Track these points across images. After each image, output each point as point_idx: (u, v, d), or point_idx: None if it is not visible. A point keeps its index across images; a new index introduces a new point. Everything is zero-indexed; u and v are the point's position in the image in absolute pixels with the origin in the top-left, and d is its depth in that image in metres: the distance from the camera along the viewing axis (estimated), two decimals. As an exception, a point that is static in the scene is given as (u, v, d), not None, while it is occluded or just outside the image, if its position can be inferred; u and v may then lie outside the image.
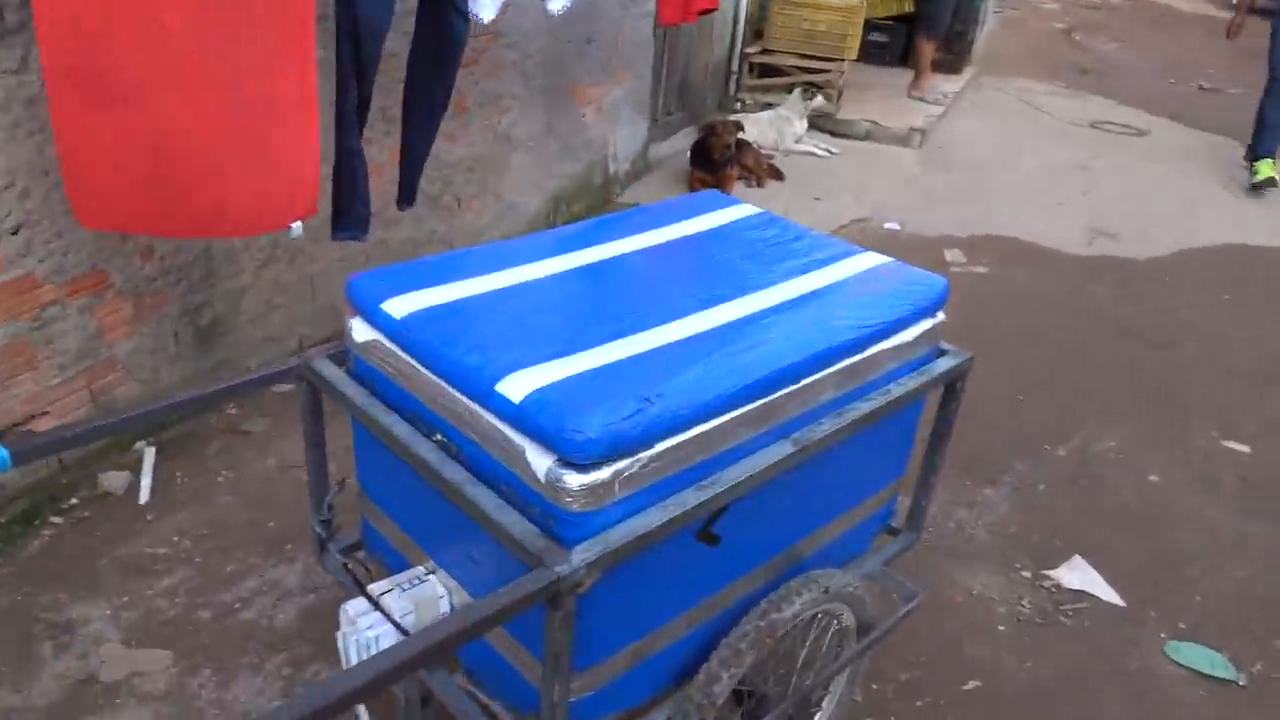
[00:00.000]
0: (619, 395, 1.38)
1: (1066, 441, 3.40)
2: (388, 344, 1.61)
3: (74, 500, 2.84)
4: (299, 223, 2.60)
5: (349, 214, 2.88)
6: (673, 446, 1.41)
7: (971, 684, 2.42)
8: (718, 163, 5.29)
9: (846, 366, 1.66)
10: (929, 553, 2.81)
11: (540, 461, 1.35)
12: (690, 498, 1.43)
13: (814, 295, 1.77)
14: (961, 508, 3.03)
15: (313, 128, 2.56)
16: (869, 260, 1.95)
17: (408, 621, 1.53)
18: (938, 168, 6.01)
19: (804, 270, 1.87)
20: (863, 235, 5.02)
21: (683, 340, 1.56)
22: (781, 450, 1.56)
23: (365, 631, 1.53)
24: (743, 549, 1.67)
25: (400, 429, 1.54)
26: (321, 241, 3.41)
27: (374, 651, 1.52)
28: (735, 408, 1.48)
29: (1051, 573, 2.80)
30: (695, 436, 1.44)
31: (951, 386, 1.95)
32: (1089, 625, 2.63)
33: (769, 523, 1.70)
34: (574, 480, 1.32)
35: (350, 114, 2.76)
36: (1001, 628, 2.60)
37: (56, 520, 2.77)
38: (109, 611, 2.47)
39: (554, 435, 1.33)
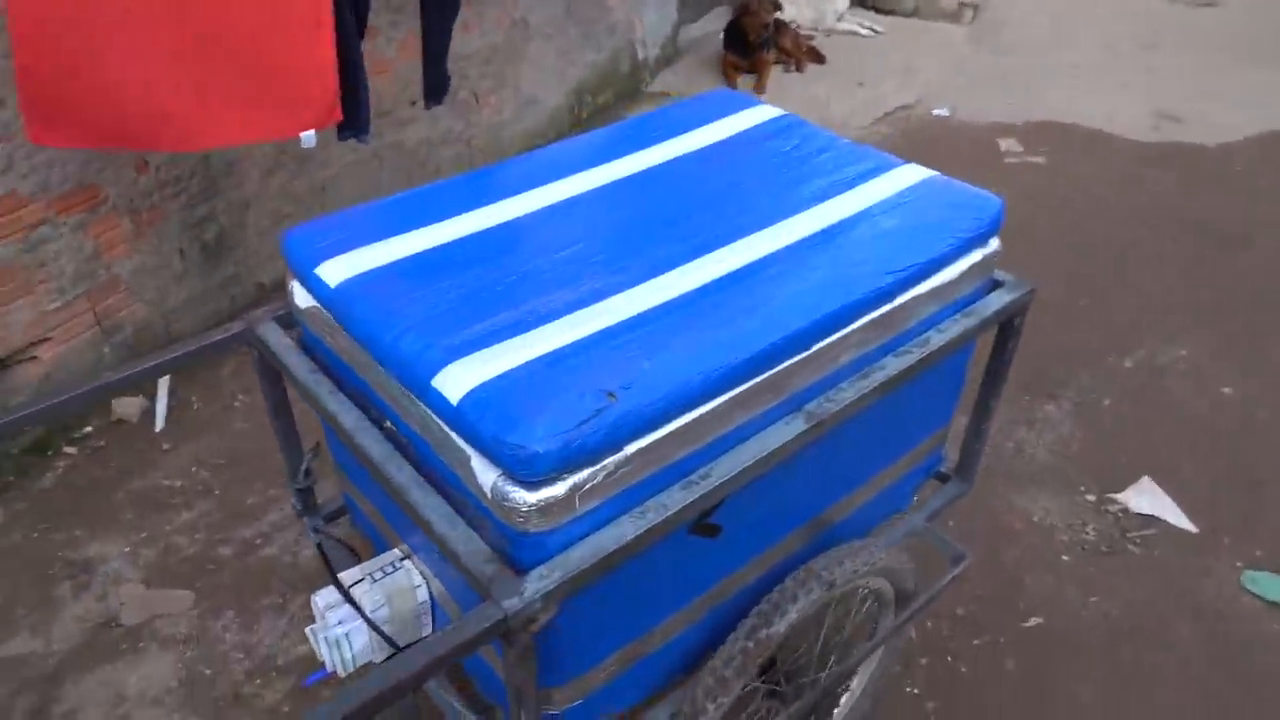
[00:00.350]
0: (577, 390, 1.13)
1: (1132, 352, 3.17)
2: (326, 315, 1.38)
3: (88, 429, 2.73)
4: (311, 131, 2.39)
5: (350, 116, 2.65)
6: (647, 446, 1.16)
7: (1033, 620, 2.28)
8: (753, 45, 4.93)
9: (872, 321, 1.39)
10: (986, 476, 2.63)
11: (485, 474, 1.12)
12: (674, 499, 1.19)
13: (835, 231, 1.47)
14: (1020, 426, 2.84)
15: (326, 28, 2.32)
16: (907, 176, 1.63)
17: (380, 616, 1.37)
18: (991, 47, 5.58)
19: (826, 195, 1.56)
20: (909, 123, 4.69)
21: (665, 305, 1.29)
22: (791, 429, 1.30)
23: (335, 628, 1.36)
24: (752, 533, 1.45)
25: (346, 415, 1.31)
26: (330, 145, 3.18)
27: (345, 650, 1.37)
28: (728, 389, 1.23)
29: (1118, 496, 2.62)
30: (677, 430, 1.19)
31: (1008, 323, 1.65)
32: (1158, 554, 2.46)
33: (784, 499, 1.47)
34: (522, 497, 1.09)
35: (345, 7, 2.49)
36: (1065, 558, 2.44)
37: (70, 450, 2.66)
38: (127, 549, 2.38)
39: (494, 446, 1.09)
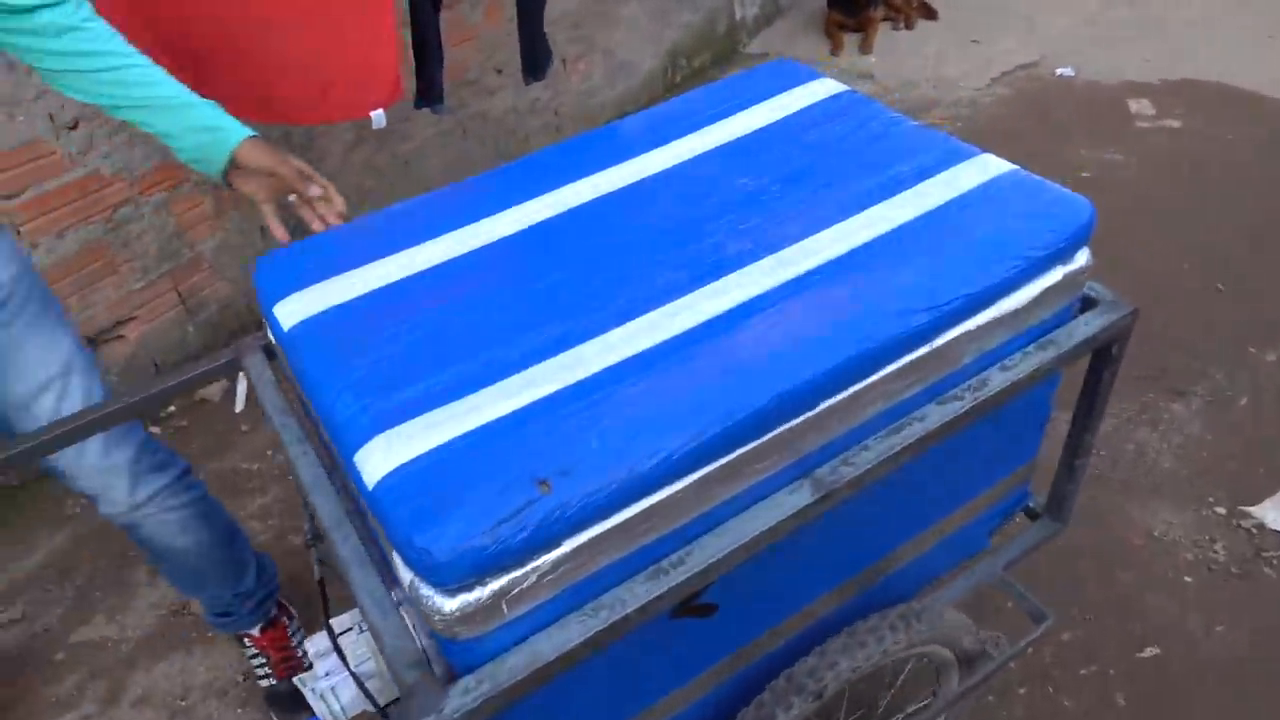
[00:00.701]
0: (505, 476, 0.96)
1: (1276, 344, 2.84)
2: (284, 359, 1.27)
3: (171, 408, 2.75)
4: (380, 111, 2.31)
5: (425, 87, 2.59)
6: (594, 539, 0.98)
7: (1149, 650, 2.06)
8: (860, 2, 4.63)
9: (904, 367, 1.15)
10: (1099, 484, 2.40)
11: (404, 571, 0.98)
12: (636, 593, 0.99)
13: (872, 249, 1.22)
14: (1142, 427, 2.58)
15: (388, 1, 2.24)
16: (977, 173, 1.34)
17: (366, 670, 1.27)
18: (1124, -4, 5.12)
19: (871, 199, 1.29)
20: (1029, 83, 4.34)
21: (642, 355, 1.09)
22: (794, 501, 1.07)
23: (322, 680, 1.28)
24: (765, 605, 1.26)
25: (305, 469, 1.19)
26: (413, 118, 3.11)
27: (333, 702, 1.27)
28: (702, 465, 1.02)
29: (1253, 510, 2.35)
30: (635, 517, 0.99)
31: (1105, 350, 1.37)
32: (1298, 578, 2.21)
33: (804, 563, 1.25)
34: (437, 604, 0.94)
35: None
36: (1188, 579, 2.21)
37: (155, 430, 2.69)
38: (203, 532, 2.38)
39: (402, 546, 0.95)
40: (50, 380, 1.55)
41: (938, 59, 4.58)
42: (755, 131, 1.50)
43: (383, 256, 1.31)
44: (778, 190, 1.36)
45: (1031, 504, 1.66)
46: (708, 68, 4.51)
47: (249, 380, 1.36)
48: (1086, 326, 1.30)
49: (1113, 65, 4.44)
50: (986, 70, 4.45)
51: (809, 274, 1.19)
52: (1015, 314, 1.24)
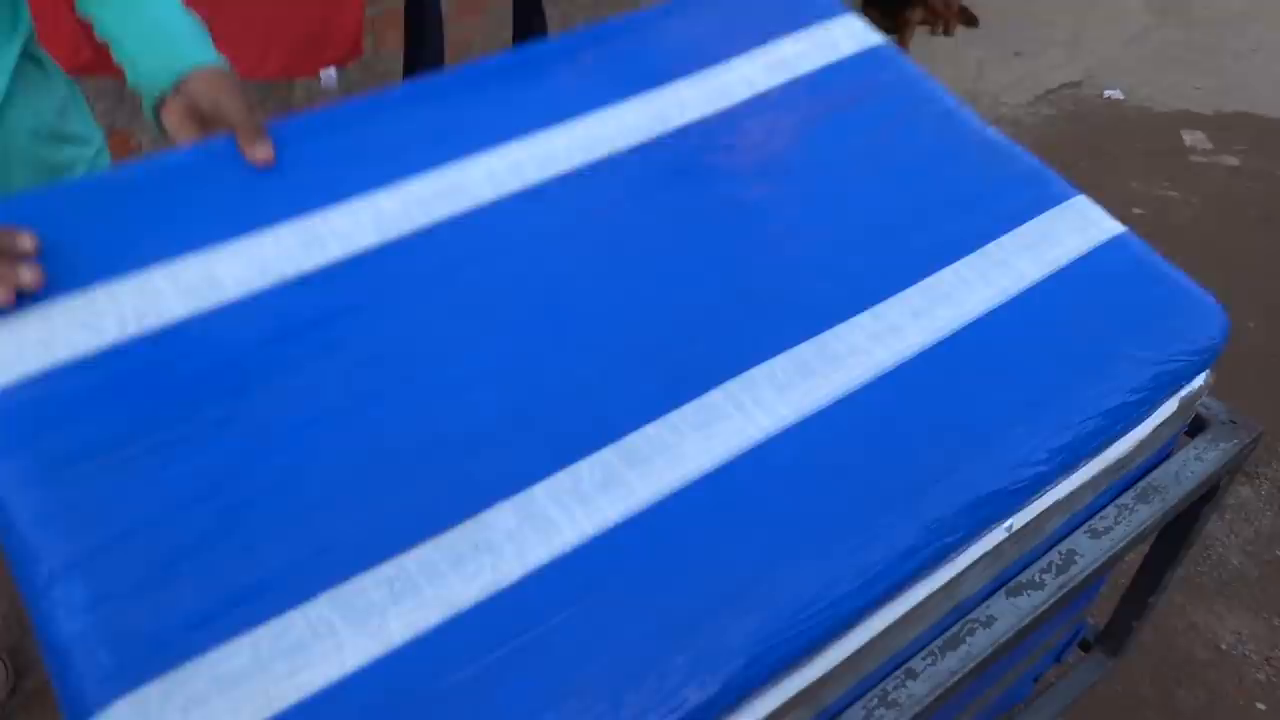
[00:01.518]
0: None
1: (1352, 422, 2.56)
2: None
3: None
4: (332, 69, 1.99)
5: (415, 63, 2.27)
6: None
7: (1219, 795, 1.78)
8: (898, 2, 4.28)
9: (961, 573, 0.80)
10: (1161, 580, 2.10)
11: None
12: None
13: (916, 371, 0.81)
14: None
15: None
16: (1076, 235, 0.96)
17: None
18: (1179, 16, 4.79)
19: (912, 273, 0.88)
20: (1075, 105, 4.02)
21: (554, 565, 0.67)
22: None
23: None
24: None
25: None
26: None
27: None
28: None
29: (1331, 623, 2.07)
30: None
31: (1215, 488, 1.03)
32: (1386, 712, 1.92)
33: None
34: None
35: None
36: (1260, 706, 1.91)
37: None
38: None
39: None
40: None
41: (977, 70, 4.25)
42: (742, 104, 0.99)
43: (172, 255, 0.75)
44: (774, 223, 0.90)
45: (1086, 635, 1.36)
46: (731, 60, 4.18)
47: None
48: (1200, 463, 0.96)
49: (1163, 90, 4.13)
50: (1029, 86, 4.13)
51: (809, 422, 0.77)
52: (1114, 466, 0.90)
